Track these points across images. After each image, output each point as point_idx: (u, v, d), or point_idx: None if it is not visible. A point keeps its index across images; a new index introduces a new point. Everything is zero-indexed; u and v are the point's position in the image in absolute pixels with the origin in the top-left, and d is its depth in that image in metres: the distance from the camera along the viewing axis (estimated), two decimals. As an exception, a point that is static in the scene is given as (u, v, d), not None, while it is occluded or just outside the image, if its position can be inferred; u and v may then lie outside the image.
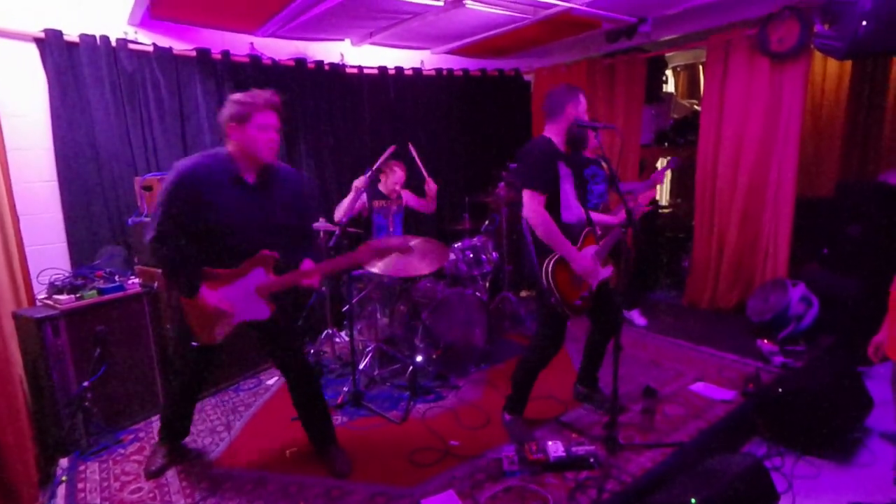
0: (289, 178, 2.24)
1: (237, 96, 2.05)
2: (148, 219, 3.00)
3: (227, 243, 2.10)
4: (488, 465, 2.37)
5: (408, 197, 3.77)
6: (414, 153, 3.57)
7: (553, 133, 2.44)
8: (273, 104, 2.07)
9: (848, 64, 4.52)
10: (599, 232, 2.59)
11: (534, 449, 2.33)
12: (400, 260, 3.08)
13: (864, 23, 2.90)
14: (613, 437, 2.40)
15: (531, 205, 2.33)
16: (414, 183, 3.73)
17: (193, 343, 2.25)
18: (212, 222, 2.05)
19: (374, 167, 3.15)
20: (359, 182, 3.27)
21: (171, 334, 2.88)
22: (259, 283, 2.16)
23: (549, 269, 2.35)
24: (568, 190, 2.45)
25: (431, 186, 3.64)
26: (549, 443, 2.35)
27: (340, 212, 3.40)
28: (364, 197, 3.49)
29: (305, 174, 2.19)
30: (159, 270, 2.87)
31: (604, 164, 3.23)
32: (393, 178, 3.63)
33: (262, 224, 2.15)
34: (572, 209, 2.47)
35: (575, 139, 2.43)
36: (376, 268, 3.06)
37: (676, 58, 6.04)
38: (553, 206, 2.40)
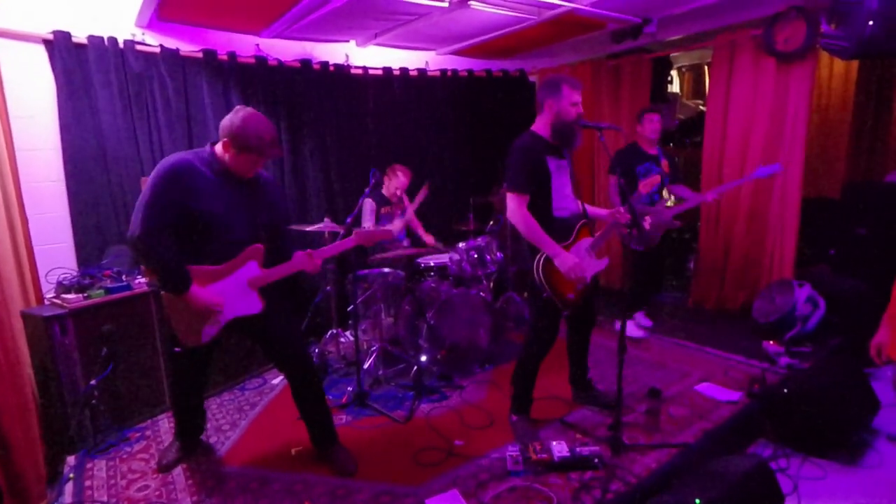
0: (268, 182, 2.33)
1: (248, 124, 2.03)
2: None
3: (216, 236, 2.11)
4: (492, 465, 2.37)
5: (408, 205, 3.80)
6: (423, 193, 3.65)
7: (539, 127, 2.45)
8: (273, 154, 2.13)
9: (855, 64, 4.50)
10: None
11: (538, 449, 2.33)
12: None
13: (871, 23, 2.88)
14: (618, 438, 2.40)
15: (510, 206, 2.39)
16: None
17: (177, 349, 2.25)
18: (201, 214, 2.04)
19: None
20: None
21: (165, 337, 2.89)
22: (252, 276, 2.18)
23: (541, 264, 2.37)
24: (562, 183, 2.44)
25: (428, 240, 3.88)
26: (554, 443, 2.35)
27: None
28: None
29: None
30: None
31: (664, 161, 3.17)
32: (395, 182, 3.69)
33: (248, 218, 2.19)
34: (566, 203, 2.47)
35: (561, 134, 2.40)
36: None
37: (682, 58, 6.03)
38: (543, 202, 2.41)
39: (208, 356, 2.42)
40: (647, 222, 2.97)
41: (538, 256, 2.38)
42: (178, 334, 2.22)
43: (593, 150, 5.04)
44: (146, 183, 2.04)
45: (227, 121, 2.05)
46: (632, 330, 3.87)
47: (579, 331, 2.79)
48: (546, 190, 2.40)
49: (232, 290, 2.16)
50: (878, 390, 2.65)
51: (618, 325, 3.58)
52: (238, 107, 2.11)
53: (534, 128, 2.47)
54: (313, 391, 2.41)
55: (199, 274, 2.11)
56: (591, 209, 2.65)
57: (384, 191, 3.76)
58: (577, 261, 2.35)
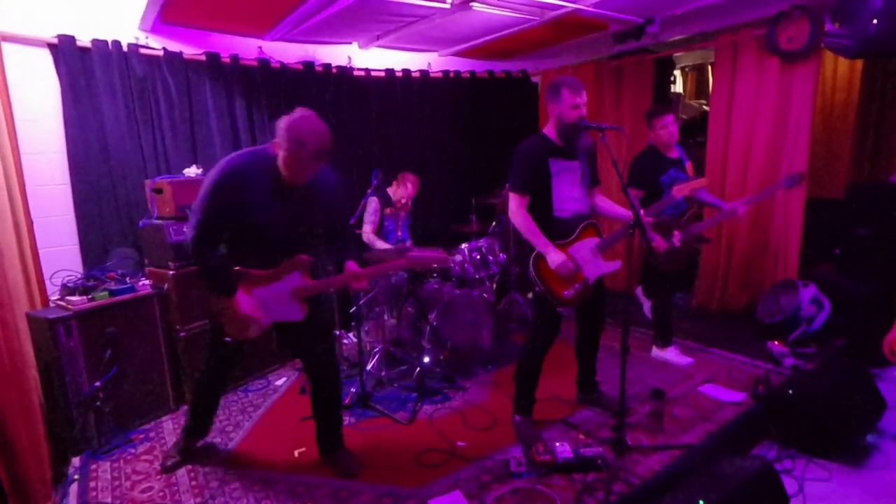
0: (326, 180, 2.22)
1: (304, 126, 1.98)
2: (158, 221, 3.03)
3: (262, 244, 2.13)
4: (495, 467, 2.37)
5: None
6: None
7: (548, 129, 2.51)
8: (325, 155, 2.04)
9: (859, 63, 4.47)
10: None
11: (541, 450, 2.32)
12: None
13: (875, 21, 2.87)
14: (621, 439, 2.40)
15: (511, 206, 2.48)
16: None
17: (227, 339, 2.26)
18: (248, 221, 2.06)
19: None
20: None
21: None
22: (295, 286, 2.19)
23: (534, 259, 2.43)
24: (564, 184, 2.47)
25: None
26: (557, 444, 2.35)
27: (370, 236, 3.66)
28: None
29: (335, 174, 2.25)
30: (170, 272, 2.91)
31: (688, 164, 3.05)
32: (403, 192, 3.72)
33: (298, 225, 2.17)
34: (568, 204, 2.49)
35: (565, 136, 2.44)
36: None
37: (684, 58, 6.01)
38: (544, 203, 2.45)
39: (241, 348, 2.41)
40: (676, 238, 2.98)
41: (535, 252, 2.43)
42: (227, 329, 2.22)
43: (596, 150, 5.03)
44: (202, 185, 2.05)
45: (281, 120, 2.01)
46: (675, 357, 3.45)
47: (587, 333, 2.79)
48: (546, 191, 2.44)
49: (275, 298, 2.18)
50: (886, 391, 2.64)
51: (655, 351, 3.52)
52: (297, 108, 2.06)
53: (544, 130, 2.53)
54: (332, 397, 2.43)
55: (246, 277, 2.14)
56: (615, 210, 2.65)
57: (391, 192, 3.76)
58: (565, 259, 2.39)
